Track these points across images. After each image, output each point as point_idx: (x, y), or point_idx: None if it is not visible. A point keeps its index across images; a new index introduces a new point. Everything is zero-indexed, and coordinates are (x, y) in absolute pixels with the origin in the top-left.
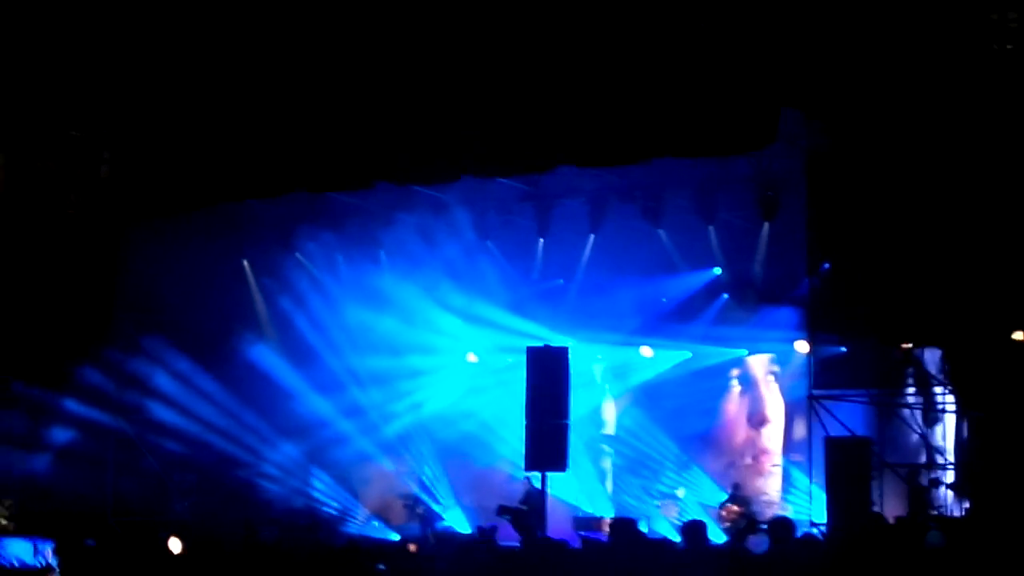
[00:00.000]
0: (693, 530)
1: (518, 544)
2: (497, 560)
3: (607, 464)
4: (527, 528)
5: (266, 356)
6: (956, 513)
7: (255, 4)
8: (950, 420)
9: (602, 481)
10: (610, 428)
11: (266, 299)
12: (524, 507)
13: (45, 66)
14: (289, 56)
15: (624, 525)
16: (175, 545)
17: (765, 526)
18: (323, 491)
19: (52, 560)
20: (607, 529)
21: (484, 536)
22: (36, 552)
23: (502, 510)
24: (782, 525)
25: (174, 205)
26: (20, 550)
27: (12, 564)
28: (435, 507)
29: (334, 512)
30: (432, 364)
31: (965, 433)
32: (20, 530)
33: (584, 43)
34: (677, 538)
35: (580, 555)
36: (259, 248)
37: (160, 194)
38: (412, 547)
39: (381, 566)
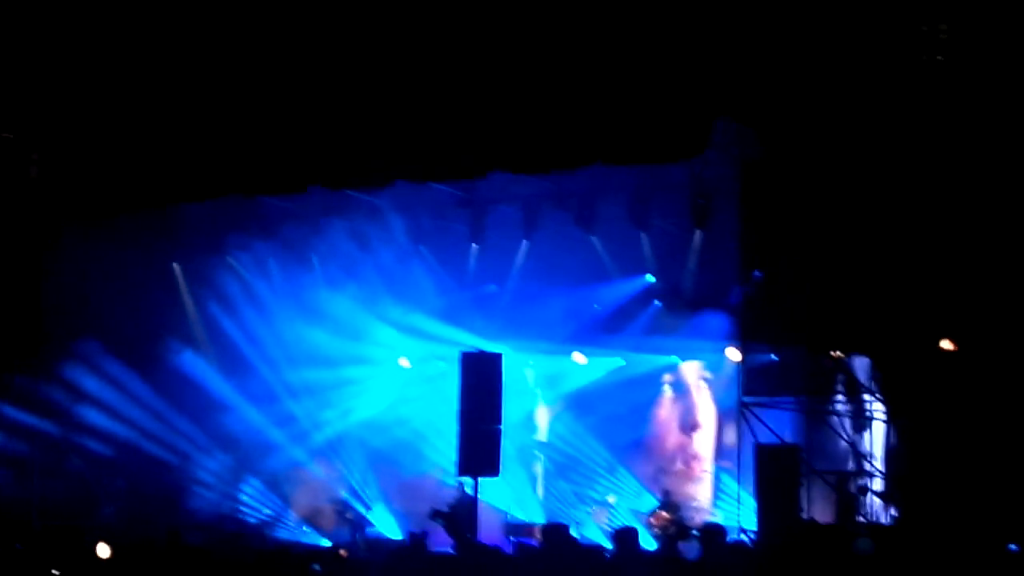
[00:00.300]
0: (625, 536)
1: (450, 550)
2: (430, 565)
3: (538, 470)
4: (459, 533)
5: (196, 363)
6: (883, 520)
7: (183, 5)
8: (878, 427)
9: (533, 487)
10: (542, 434)
11: (197, 304)
12: (455, 512)
13: None
14: (222, 59)
15: (556, 531)
16: (103, 551)
17: (696, 532)
18: (253, 497)
19: None
20: (539, 535)
21: (415, 541)
22: None
23: (435, 514)
24: (713, 531)
25: (104, 208)
26: None
27: None
28: (365, 513)
29: (264, 518)
30: (364, 370)
31: (893, 440)
32: None
33: (519, 51)
34: (608, 544)
35: (513, 561)
36: (190, 252)
37: (90, 196)
38: (343, 552)
39: (316, 566)
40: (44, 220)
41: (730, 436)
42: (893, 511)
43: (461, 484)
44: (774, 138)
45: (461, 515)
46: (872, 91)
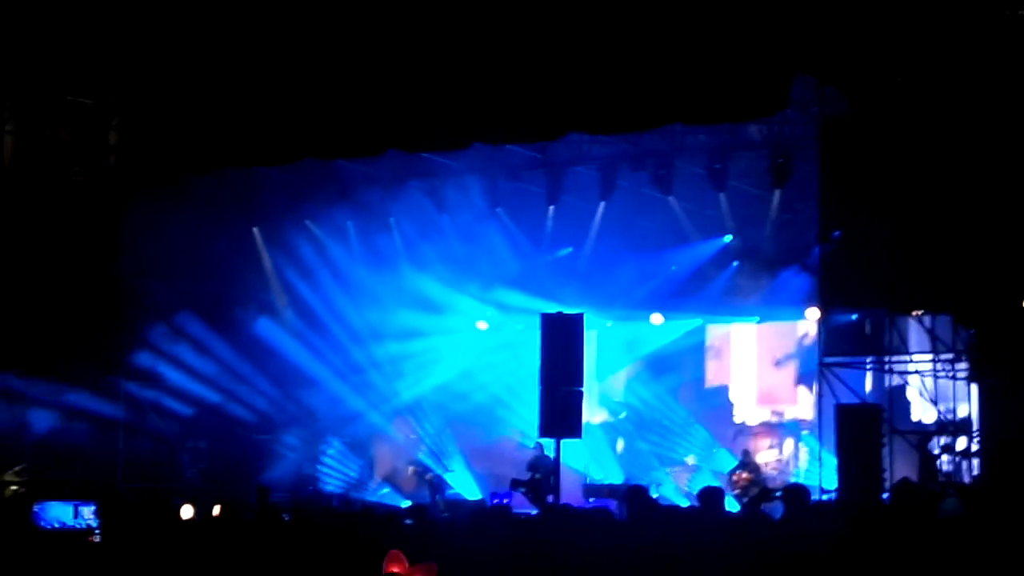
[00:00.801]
0: (710, 496)
1: (530, 512)
2: (511, 527)
3: (622, 414)
4: (541, 497)
5: (275, 328)
6: (965, 480)
7: None
8: (961, 387)
9: (612, 448)
10: (619, 395)
11: (276, 267)
12: (536, 476)
13: (55, 33)
14: (300, 23)
15: (636, 492)
16: (187, 512)
17: (779, 493)
18: (334, 460)
19: (93, 521)
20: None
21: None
22: (76, 514)
23: (515, 484)
24: (796, 491)
25: (183, 172)
26: (60, 512)
27: (53, 526)
28: (444, 474)
29: (345, 480)
30: (442, 334)
31: (978, 400)
32: (31, 496)
33: (595, 9)
34: (686, 504)
35: (594, 522)
36: (269, 216)
37: (169, 161)
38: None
39: (409, 521)
40: (123, 185)
41: (808, 397)
42: (975, 471)
43: (540, 446)
44: (854, 95)
45: (542, 478)
46: (954, 46)
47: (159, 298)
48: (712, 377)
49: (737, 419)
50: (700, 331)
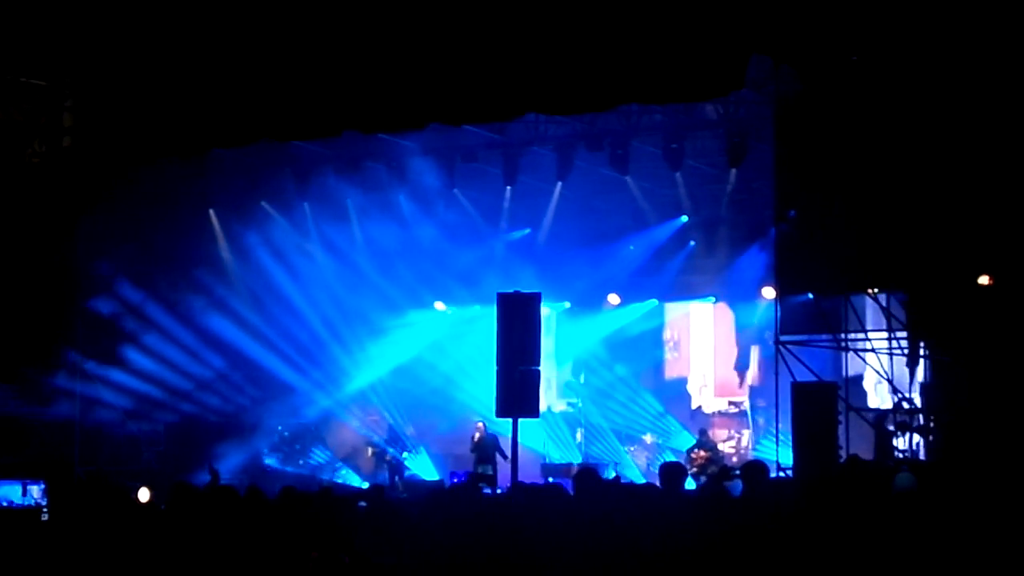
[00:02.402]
0: (671, 473)
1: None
2: (469, 505)
3: (578, 403)
4: (491, 477)
5: (228, 310)
6: (922, 456)
7: None
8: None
9: (569, 428)
10: (580, 378)
11: (232, 249)
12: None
13: (6, 13)
14: (255, 4)
15: (585, 473)
16: (144, 495)
17: (737, 471)
18: (290, 441)
19: (42, 499)
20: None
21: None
22: (24, 492)
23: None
24: (755, 468)
25: (139, 153)
26: (8, 491)
27: (1, 504)
28: (403, 455)
29: (304, 461)
30: (399, 315)
31: (931, 377)
32: None
33: None
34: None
35: (555, 500)
36: (225, 197)
37: (125, 142)
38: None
39: (362, 503)
40: (79, 167)
41: (758, 375)
42: (931, 447)
43: (484, 425)
44: (808, 75)
45: (485, 453)
46: (907, 25)
47: (113, 280)
48: (670, 370)
49: (694, 404)
50: (659, 314)
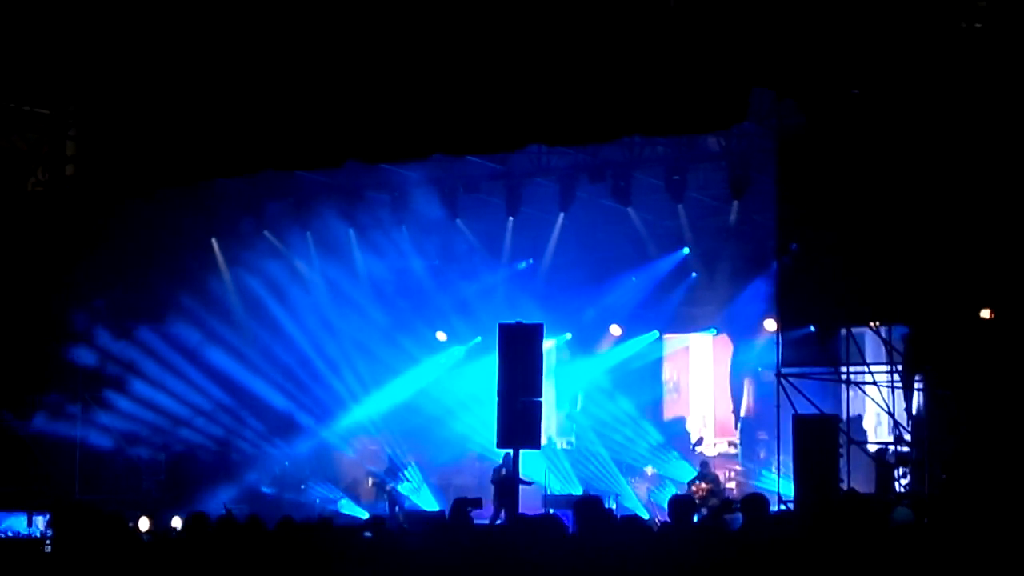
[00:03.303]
0: (681, 506)
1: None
2: (471, 537)
3: (574, 442)
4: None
5: (230, 343)
6: (923, 490)
7: None
8: (917, 398)
9: (570, 459)
10: (577, 405)
11: (234, 278)
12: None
13: (10, 43)
14: (260, 34)
15: (587, 503)
16: (144, 524)
17: (737, 504)
18: (292, 472)
19: (47, 530)
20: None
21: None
22: (30, 523)
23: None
24: (755, 501)
25: (142, 183)
26: (13, 522)
27: (6, 535)
28: (403, 486)
29: (304, 491)
30: (401, 346)
31: (932, 410)
32: None
33: (554, 22)
34: (645, 515)
35: (560, 533)
36: (228, 227)
37: (128, 171)
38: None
39: (368, 534)
40: (82, 196)
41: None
42: (931, 481)
43: (508, 457)
44: (811, 108)
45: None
46: (910, 59)
47: (117, 309)
48: (670, 411)
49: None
50: (660, 348)
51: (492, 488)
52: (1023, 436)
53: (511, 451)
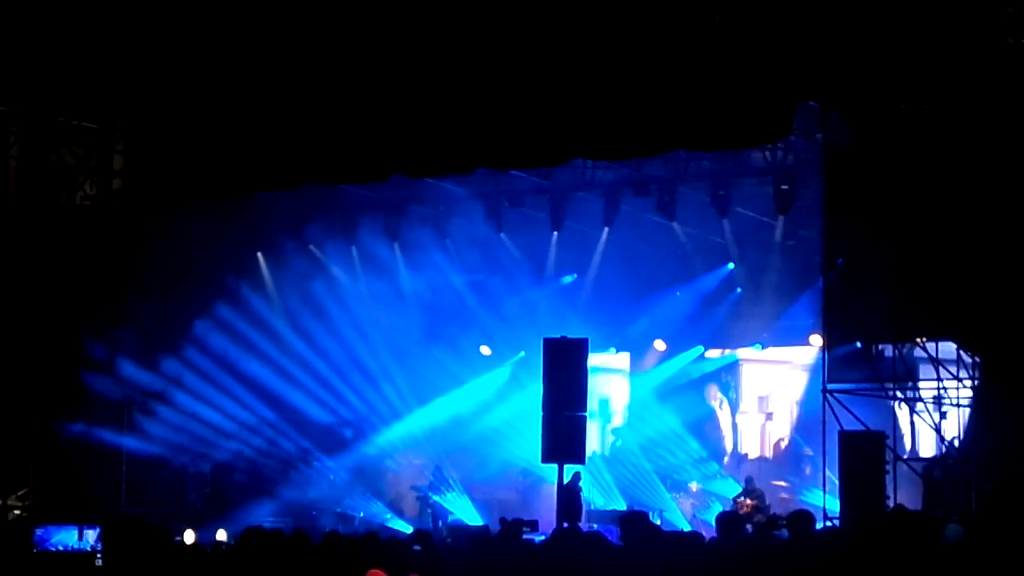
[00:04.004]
0: (730, 521)
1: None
2: (518, 552)
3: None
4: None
5: (275, 356)
6: (971, 507)
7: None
8: (965, 414)
9: (613, 474)
10: (620, 420)
11: (279, 292)
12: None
13: (59, 58)
14: (304, 48)
15: (634, 518)
16: (189, 537)
17: (783, 520)
18: (338, 486)
19: (97, 544)
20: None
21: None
22: (81, 537)
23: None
24: (801, 518)
25: (188, 197)
26: (65, 536)
27: (58, 549)
28: (446, 500)
29: (349, 506)
30: (446, 361)
31: (982, 427)
32: (33, 519)
33: (599, 36)
34: (687, 528)
35: (606, 548)
36: (273, 241)
37: (174, 186)
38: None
39: (417, 547)
40: (129, 209)
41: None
42: (978, 498)
43: (577, 476)
44: (857, 123)
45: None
46: (956, 74)
47: (166, 323)
48: (716, 427)
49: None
50: (703, 362)
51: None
52: None
53: (580, 468)
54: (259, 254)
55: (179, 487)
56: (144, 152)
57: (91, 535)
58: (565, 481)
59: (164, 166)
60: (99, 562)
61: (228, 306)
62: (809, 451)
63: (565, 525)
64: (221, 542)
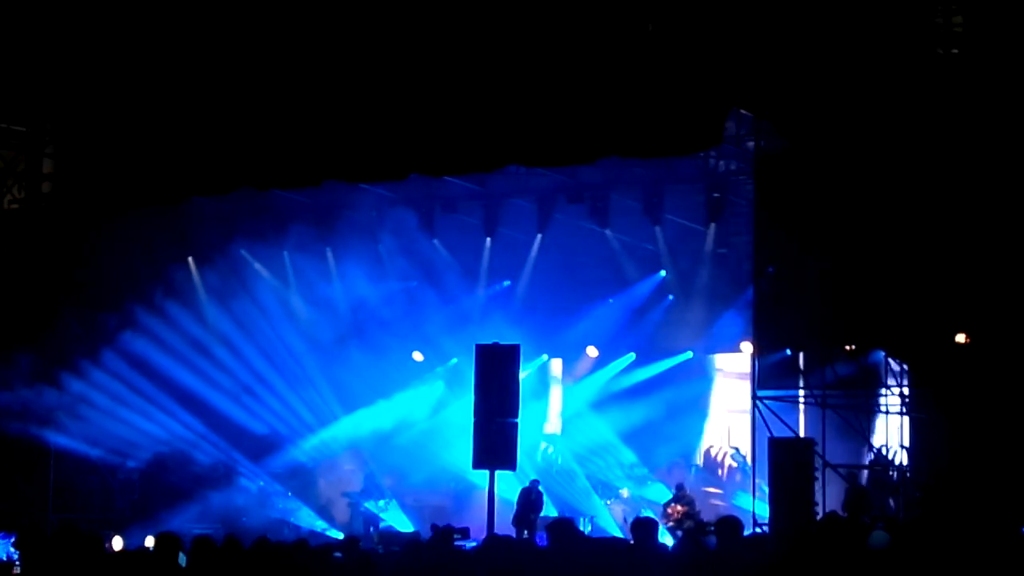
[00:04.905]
0: (643, 527)
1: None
2: (448, 559)
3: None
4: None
5: (204, 361)
6: (898, 514)
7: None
8: (892, 421)
9: (546, 482)
10: (554, 427)
11: (210, 297)
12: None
13: None
14: (236, 53)
15: (559, 525)
16: (117, 543)
17: (712, 527)
18: (265, 491)
19: (12, 553)
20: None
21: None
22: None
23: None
24: (729, 524)
25: (119, 202)
26: None
27: None
28: (377, 506)
29: (278, 511)
30: (378, 366)
31: (909, 434)
32: None
33: (533, 43)
34: (621, 536)
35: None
36: (204, 246)
37: (105, 190)
38: None
39: (338, 555)
40: (59, 213)
41: (739, 429)
42: (906, 504)
43: (535, 482)
44: (789, 131)
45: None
46: (886, 84)
47: (93, 328)
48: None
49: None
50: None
51: (515, 509)
52: (995, 459)
53: (536, 477)
54: (190, 259)
55: (107, 494)
56: (74, 156)
57: (6, 544)
58: (495, 488)
59: (95, 170)
60: (16, 571)
61: (157, 312)
62: (737, 460)
63: (525, 532)
64: (148, 548)
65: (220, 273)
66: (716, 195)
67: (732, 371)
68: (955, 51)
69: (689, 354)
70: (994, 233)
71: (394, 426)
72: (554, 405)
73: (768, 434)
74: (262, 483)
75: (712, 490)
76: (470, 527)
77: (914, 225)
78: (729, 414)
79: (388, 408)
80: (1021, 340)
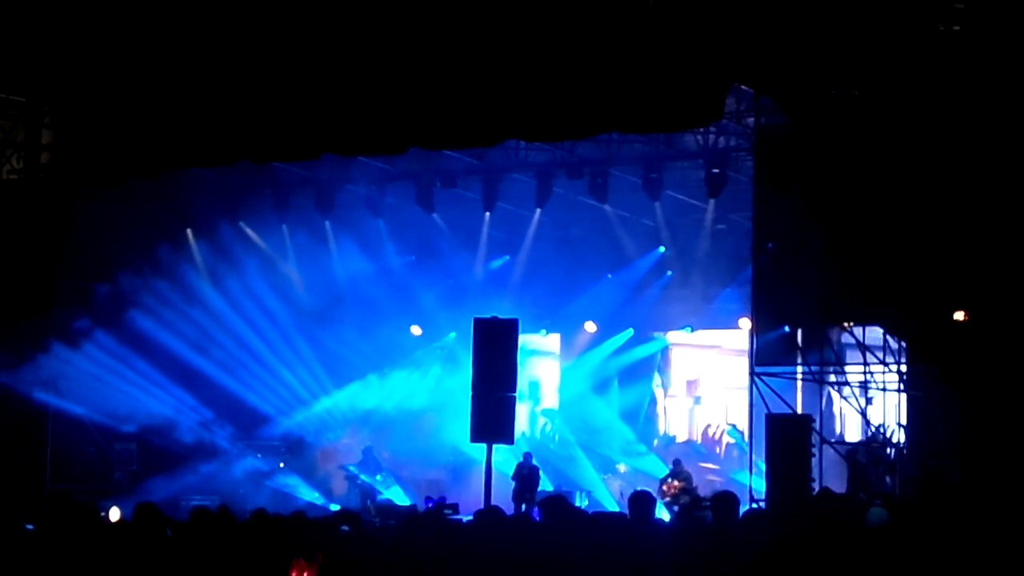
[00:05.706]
0: (640, 502)
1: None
2: (446, 531)
3: (548, 438)
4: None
5: (202, 333)
6: (895, 490)
7: None
8: (890, 398)
9: (543, 457)
10: (551, 402)
11: (208, 269)
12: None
13: None
14: (237, 24)
15: (553, 501)
16: (114, 514)
17: (707, 502)
18: (262, 464)
19: None
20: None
21: (434, 508)
22: None
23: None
24: (726, 500)
25: (118, 172)
26: None
27: None
28: (375, 480)
29: (275, 484)
30: (376, 340)
31: (907, 411)
32: None
33: (533, 17)
34: (617, 510)
35: (533, 528)
36: (204, 218)
37: (104, 160)
38: None
39: (345, 527)
40: (58, 183)
41: (738, 405)
42: (903, 482)
43: (528, 455)
44: (789, 107)
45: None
46: (887, 62)
47: (92, 299)
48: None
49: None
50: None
51: (513, 484)
52: (997, 437)
53: (530, 451)
54: (189, 231)
55: (105, 464)
56: (73, 126)
57: None
58: (493, 461)
59: (94, 141)
60: None
61: (156, 283)
62: (734, 437)
63: (523, 505)
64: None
65: (218, 246)
66: (716, 171)
67: (730, 348)
68: (956, 28)
69: (688, 329)
70: (993, 211)
71: (392, 400)
72: (551, 379)
73: (766, 411)
74: (259, 455)
75: (709, 466)
76: (467, 501)
77: (913, 202)
78: (726, 391)
79: (386, 382)
80: (1020, 318)
